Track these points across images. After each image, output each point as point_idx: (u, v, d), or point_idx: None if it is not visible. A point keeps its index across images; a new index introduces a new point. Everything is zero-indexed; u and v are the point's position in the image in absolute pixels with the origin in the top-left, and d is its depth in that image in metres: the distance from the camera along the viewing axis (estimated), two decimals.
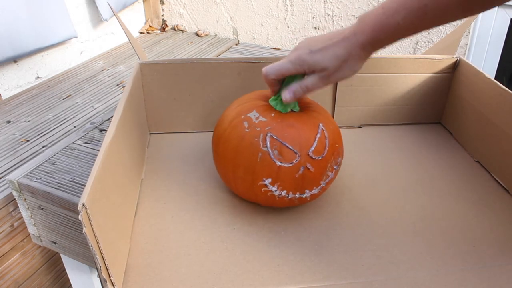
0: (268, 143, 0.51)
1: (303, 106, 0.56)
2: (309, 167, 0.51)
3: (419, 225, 0.56)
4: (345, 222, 0.56)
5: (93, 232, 0.39)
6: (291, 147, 0.51)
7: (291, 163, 0.51)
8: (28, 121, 0.97)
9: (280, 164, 0.51)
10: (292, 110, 0.55)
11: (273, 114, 0.53)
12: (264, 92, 0.59)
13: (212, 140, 0.58)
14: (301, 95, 0.51)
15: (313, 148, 0.51)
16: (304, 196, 0.53)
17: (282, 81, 0.53)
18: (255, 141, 0.51)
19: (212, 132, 0.59)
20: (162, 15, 1.60)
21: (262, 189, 0.52)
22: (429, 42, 1.25)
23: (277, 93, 0.54)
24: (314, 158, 0.51)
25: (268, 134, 0.51)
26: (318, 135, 0.52)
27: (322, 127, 0.53)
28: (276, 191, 0.52)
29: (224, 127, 0.55)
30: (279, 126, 0.52)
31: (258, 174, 0.52)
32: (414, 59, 0.73)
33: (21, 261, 0.80)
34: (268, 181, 0.52)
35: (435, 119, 0.81)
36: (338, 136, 0.56)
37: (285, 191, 0.52)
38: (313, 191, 0.54)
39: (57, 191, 0.69)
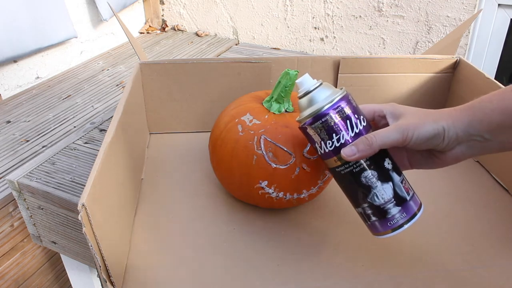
0: (262, 145, 0.51)
1: (297, 106, 0.56)
2: (305, 168, 0.51)
3: (419, 225, 0.56)
4: (345, 222, 0.56)
5: (93, 232, 0.39)
6: (285, 149, 0.51)
7: (286, 165, 0.51)
8: (28, 121, 0.97)
9: (275, 166, 0.51)
10: (286, 111, 0.55)
11: (266, 116, 0.53)
12: (258, 93, 0.59)
13: (209, 143, 0.58)
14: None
15: (307, 148, 0.51)
16: (302, 196, 0.53)
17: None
18: (249, 144, 0.51)
19: None
20: (162, 15, 1.60)
21: (259, 191, 0.52)
22: (429, 42, 1.25)
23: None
24: (310, 158, 0.51)
25: (262, 137, 0.51)
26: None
27: None
28: (273, 193, 0.52)
29: (219, 131, 0.55)
30: (272, 127, 0.51)
31: (254, 177, 0.52)
32: (414, 59, 0.73)
33: (21, 261, 0.80)
34: (264, 184, 0.52)
35: None
36: None
37: (282, 193, 0.52)
38: (310, 191, 0.53)
39: (57, 191, 0.69)
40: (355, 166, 0.42)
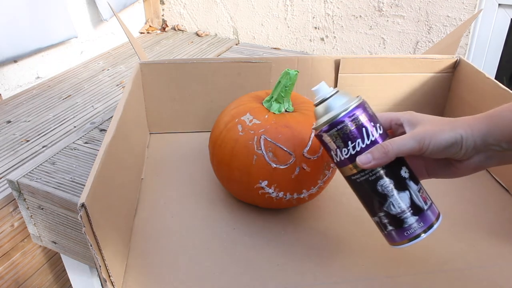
0: (262, 145, 0.51)
1: (297, 106, 0.56)
2: (305, 167, 0.51)
3: None
4: (345, 222, 0.56)
5: (93, 232, 0.39)
6: (285, 148, 0.51)
7: (286, 164, 0.51)
8: (28, 121, 0.97)
9: (275, 166, 0.51)
10: (286, 111, 0.55)
11: (266, 116, 0.53)
12: (258, 93, 0.59)
13: (209, 143, 0.58)
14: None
15: (307, 148, 0.51)
16: (302, 196, 0.53)
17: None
18: (249, 144, 0.51)
19: None
20: (162, 15, 1.60)
21: (259, 191, 0.52)
22: (429, 42, 1.25)
23: None
24: (310, 158, 0.51)
25: (262, 137, 0.51)
26: (313, 135, 0.52)
27: None
28: (273, 193, 0.52)
29: (219, 130, 0.55)
30: (272, 127, 0.51)
31: (254, 176, 0.52)
32: (414, 59, 0.73)
33: (21, 261, 0.80)
34: (264, 183, 0.52)
35: None
36: None
37: (282, 193, 0.52)
38: (310, 190, 0.53)
39: (57, 191, 0.69)
40: (371, 174, 0.41)
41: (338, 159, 0.43)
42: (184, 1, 1.53)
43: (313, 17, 1.36)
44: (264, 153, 0.51)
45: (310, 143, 0.51)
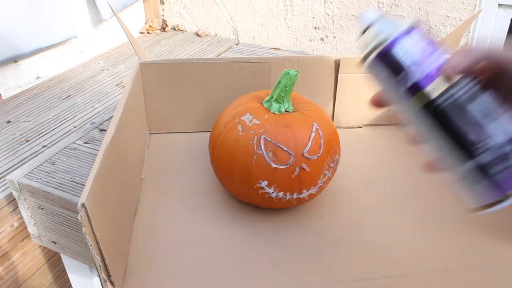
0: (262, 145, 0.51)
1: (297, 106, 0.56)
2: (305, 167, 0.51)
3: (419, 225, 0.56)
4: (345, 222, 0.56)
5: (93, 232, 0.39)
6: (285, 148, 0.51)
7: (286, 164, 0.51)
8: (28, 121, 0.97)
9: (275, 166, 0.51)
10: (286, 111, 0.55)
11: (266, 116, 0.53)
12: (258, 93, 0.59)
13: (209, 143, 0.58)
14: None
15: (307, 148, 0.51)
16: (302, 196, 0.53)
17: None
18: (249, 144, 0.51)
19: None
20: (162, 15, 1.60)
21: (259, 191, 0.52)
22: None
23: None
24: (310, 158, 0.51)
25: (262, 137, 0.51)
26: (313, 135, 0.52)
27: (317, 126, 0.53)
28: (273, 193, 0.52)
29: (219, 131, 0.55)
30: (272, 127, 0.52)
31: (254, 176, 0.52)
32: None
33: (21, 261, 0.80)
34: (264, 183, 0.52)
35: None
36: (334, 135, 0.56)
37: (282, 193, 0.52)
38: (310, 191, 0.53)
39: (57, 191, 0.69)
40: (459, 92, 0.31)
41: (403, 88, 0.34)
42: (184, 1, 1.53)
43: (313, 17, 1.36)
44: (264, 153, 0.51)
45: (310, 143, 0.51)
